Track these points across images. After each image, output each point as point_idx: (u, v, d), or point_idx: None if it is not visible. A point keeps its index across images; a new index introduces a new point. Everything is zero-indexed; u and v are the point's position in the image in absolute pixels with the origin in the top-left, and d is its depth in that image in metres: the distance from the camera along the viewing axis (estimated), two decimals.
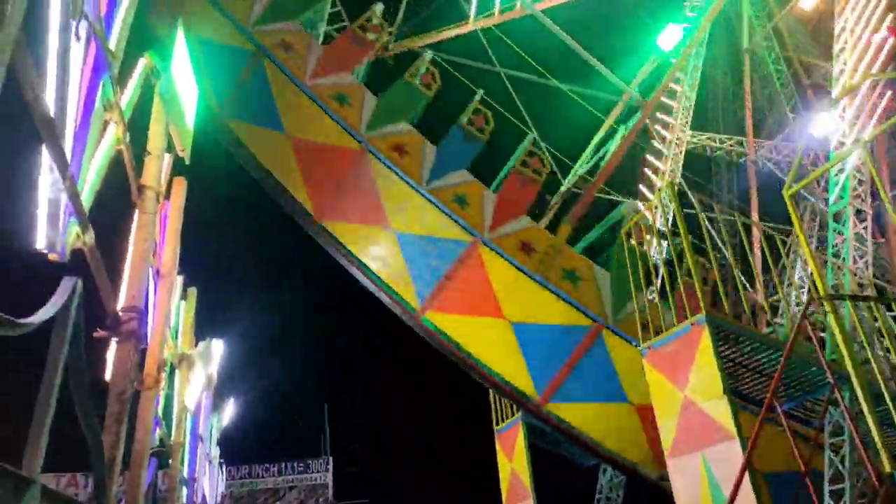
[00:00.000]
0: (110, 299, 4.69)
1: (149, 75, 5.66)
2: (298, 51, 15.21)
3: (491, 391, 18.33)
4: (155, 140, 5.65)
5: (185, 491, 11.21)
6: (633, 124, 20.58)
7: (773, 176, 25.09)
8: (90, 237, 3.97)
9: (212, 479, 16.65)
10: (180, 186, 7.21)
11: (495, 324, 14.21)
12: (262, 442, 34.06)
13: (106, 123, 4.51)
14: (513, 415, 17.77)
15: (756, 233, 20.07)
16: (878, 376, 8.69)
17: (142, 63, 5.64)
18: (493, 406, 18.80)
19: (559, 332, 14.29)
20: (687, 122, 25.07)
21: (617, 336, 14.26)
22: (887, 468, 7.41)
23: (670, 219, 19.60)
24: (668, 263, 12.59)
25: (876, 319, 10.55)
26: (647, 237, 13.66)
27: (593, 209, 17.14)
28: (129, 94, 5.07)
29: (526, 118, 19.88)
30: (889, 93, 12.75)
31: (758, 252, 18.72)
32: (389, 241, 14.41)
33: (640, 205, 21.27)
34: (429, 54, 16.49)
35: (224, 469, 26.38)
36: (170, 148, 6.52)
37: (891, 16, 13.28)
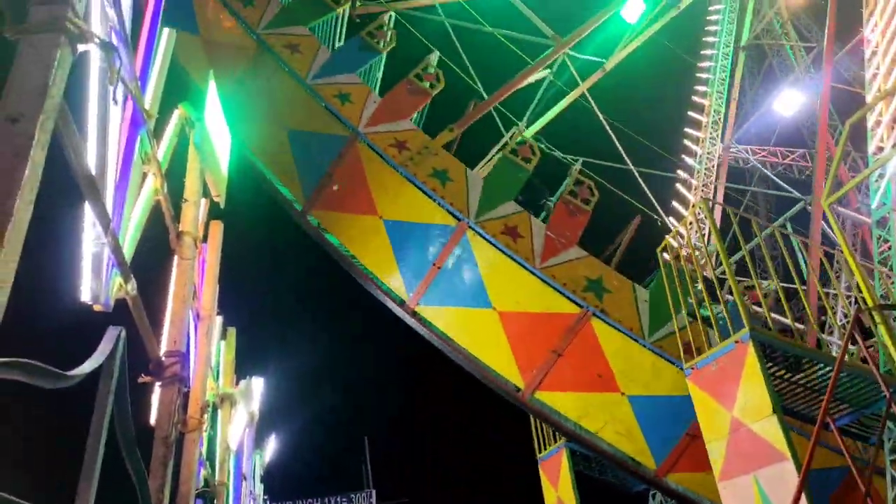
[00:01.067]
0: (153, 345, 4.79)
1: (184, 125, 5.85)
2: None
3: (532, 419, 18.08)
4: (191, 188, 5.82)
5: None
6: (543, 57, 20.21)
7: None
8: (132, 287, 4.08)
9: None
10: (217, 230, 7.38)
11: (369, 221, 14.09)
12: (305, 477, 34.14)
13: (144, 175, 4.67)
14: (555, 441, 17.48)
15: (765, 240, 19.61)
16: None
17: (176, 114, 5.85)
18: (534, 433, 18.53)
19: (425, 231, 14.03)
20: (717, 135, 24.80)
21: (482, 238, 13.91)
22: None
23: (706, 235, 19.35)
24: (707, 280, 12.30)
25: None
26: (684, 254, 13.43)
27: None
28: (165, 146, 5.25)
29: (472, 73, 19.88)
30: None
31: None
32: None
33: (673, 222, 21.03)
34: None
35: None
36: (206, 193, 6.72)
37: None
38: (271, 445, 19.90)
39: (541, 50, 21.07)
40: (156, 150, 4.60)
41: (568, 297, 13.91)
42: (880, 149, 12.64)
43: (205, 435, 8.25)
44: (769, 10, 26.03)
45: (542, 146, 16.54)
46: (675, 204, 22.91)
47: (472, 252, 14.08)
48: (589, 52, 21.59)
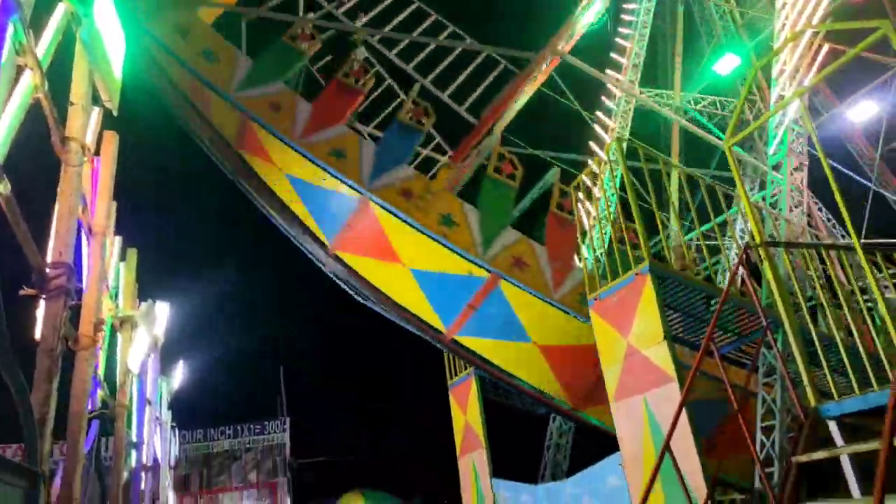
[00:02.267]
0: (34, 254, 4.51)
1: (69, 22, 5.34)
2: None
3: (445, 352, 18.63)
4: (78, 89, 5.37)
5: (133, 455, 11.09)
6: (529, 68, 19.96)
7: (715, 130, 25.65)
8: (5, 187, 3.79)
9: (164, 443, 16.51)
10: (112, 141, 6.93)
11: (396, 269, 14.49)
12: (218, 405, 33.94)
13: (19, 69, 4.27)
14: (466, 369, 18.09)
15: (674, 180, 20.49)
16: (808, 319, 9.12)
17: (61, 8, 5.32)
18: (447, 361, 19.08)
19: (456, 281, 14.48)
20: (636, 79, 25.26)
21: (513, 285, 14.40)
22: (813, 403, 7.83)
23: (618, 174, 19.90)
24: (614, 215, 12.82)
25: (808, 267, 11.03)
26: (595, 191, 13.90)
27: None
28: (47, 40, 4.80)
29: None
30: (826, 46, 13.09)
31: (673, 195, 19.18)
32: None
33: (589, 160, 21.51)
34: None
35: (178, 433, 26.18)
36: (99, 104, 6.24)
37: None
38: (180, 372, 19.51)
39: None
40: (32, 42, 4.19)
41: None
42: (782, 97, 13.30)
43: (102, 356, 7.97)
44: None
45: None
46: (592, 145, 23.37)
47: (507, 299, 14.19)
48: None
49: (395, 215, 14.13)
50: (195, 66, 14.20)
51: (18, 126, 4.21)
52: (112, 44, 5.97)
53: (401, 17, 19.27)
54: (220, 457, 33.57)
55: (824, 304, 9.64)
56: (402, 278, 14.37)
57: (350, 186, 14.14)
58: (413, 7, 19.41)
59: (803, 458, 6.91)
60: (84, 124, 5.42)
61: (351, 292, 15.42)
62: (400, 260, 14.39)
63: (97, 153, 6.98)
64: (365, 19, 19.38)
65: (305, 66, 16.81)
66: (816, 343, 8.69)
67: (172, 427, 20.96)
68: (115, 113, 6.08)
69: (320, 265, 15.05)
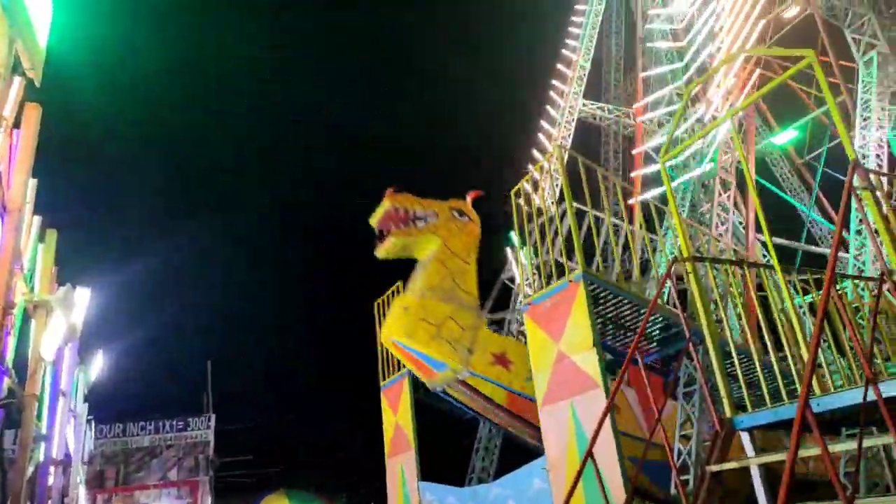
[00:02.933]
0: None
1: None
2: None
3: (379, 350, 18.45)
4: None
5: (42, 448, 10.49)
6: None
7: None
8: None
9: (77, 437, 15.70)
10: (34, 113, 6.54)
11: None
12: (139, 399, 32.64)
13: None
14: (399, 370, 18.00)
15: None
16: (729, 334, 9.53)
17: None
18: (380, 362, 18.94)
19: None
20: (580, 91, 25.91)
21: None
22: (728, 414, 8.17)
23: (558, 182, 20.38)
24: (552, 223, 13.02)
25: (731, 283, 11.53)
26: (535, 198, 14.09)
27: None
28: None
29: None
30: (758, 70, 13.74)
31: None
32: None
33: (529, 166, 21.87)
34: None
35: (94, 426, 24.99)
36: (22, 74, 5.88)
37: (763, 0, 14.23)
38: (99, 362, 18.59)
39: None
40: None
41: None
42: (714, 118, 13.87)
43: (11, 342, 7.53)
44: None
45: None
46: (534, 152, 23.79)
47: None
48: None
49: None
50: (529, 392, 12.96)
51: None
52: (37, 10, 5.64)
53: None
54: (140, 453, 32.23)
55: (743, 319, 10.11)
56: None
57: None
58: None
59: (715, 468, 7.20)
60: (3, 94, 5.10)
61: None
62: None
63: (17, 126, 6.60)
64: None
65: None
66: (734, 356, 9.11)
67: (88, 420, 19.98)
68: (37, 83, 5.73)
69: None
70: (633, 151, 21.60)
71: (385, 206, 13.85)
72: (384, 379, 19.30)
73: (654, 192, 21.72)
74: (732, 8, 15.27)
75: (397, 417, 18.50)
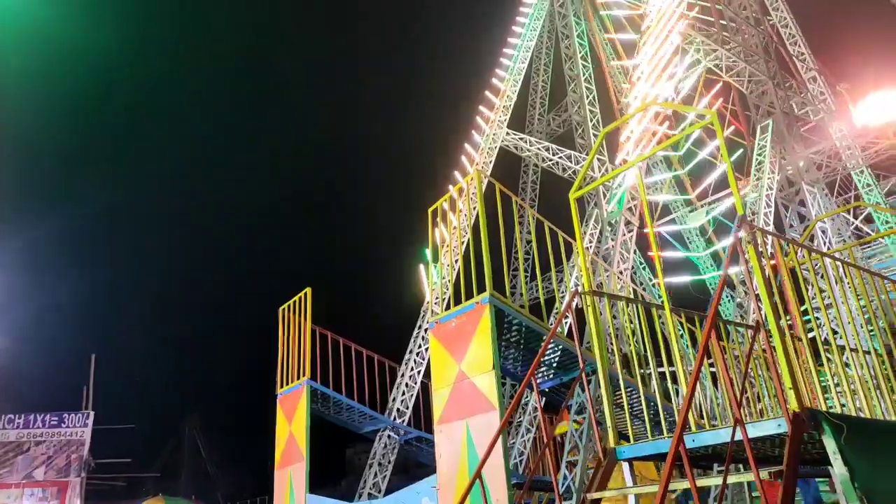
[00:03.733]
0: None
1: None
2: None
3: (280, 356, 18.03)
4: None
5: None
6: None
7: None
8: None
9: None
10: None
11: None
12: (10, 389, 30.09)
13: None
14: (298, 378, 17.63)
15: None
16: (619, 367, 10.04)
17: None
18: (279, 370, 18.49)
19: None
20: (504, 120, 26.68)
21: None
22: (612, 444, 8.58)
23: (474, 206, 20.82)
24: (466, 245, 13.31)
25: (630, 319, 12.16)
26: (451, 217, 14.36)
27: None
28: None
29: None
30: (667, 122, 14.69)
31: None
32: None
33: (449, 187, 22.21)
34: None
35: None
36: None
37: (677, 58, 15.27)
38: None
39: None
40: None
41: None
42: (625, 161, 14.67)
43: None
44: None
45: None
46: (456, 174, 24.19)
47: None
48: None
49: None
50: None
51: None
52: None
53: None
54: (4, 448, 29.68)
55: (633, 354, 10.68)
56: None
57: None
58: None
59: (595, 495, 7.55)
60: None
61: None
62: None
63: None
64: None
65: None
66: (622, 389, 9.59)
67: None
68: None
69: None
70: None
71: None
72: (282, 387, 18.85)
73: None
74: (650, 60, 16.29)
75: (292, 427, 18.06)
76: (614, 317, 10.85)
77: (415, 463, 15.92)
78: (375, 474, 17.72)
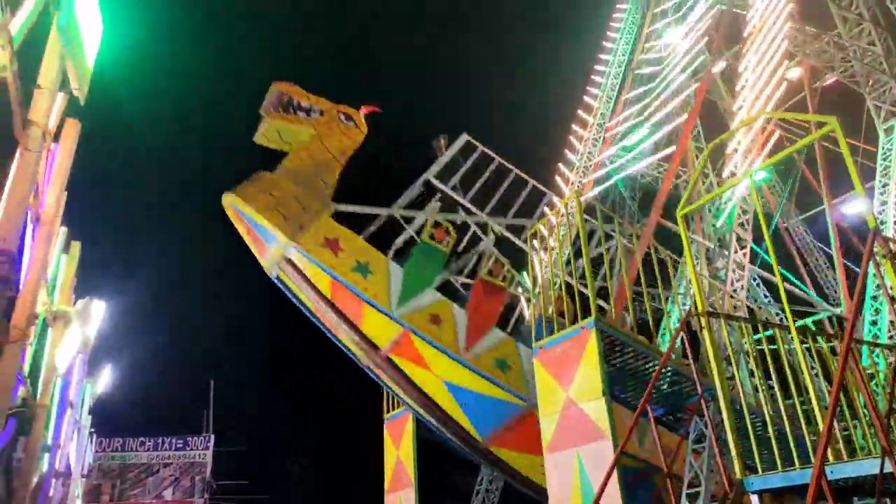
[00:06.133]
0: None
1: (48, 3, 5.24)
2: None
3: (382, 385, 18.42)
4: (48, 73, 5.24)
5: (46, 458, 10.48)
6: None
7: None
8: None
9: (79, 449, 15.66)
10: (73, 129, 6.74)
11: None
12: (140, 414, 32.44)
13: None
14: (403, 405, 17.89)
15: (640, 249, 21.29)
16: (741, 391, 9.44)
17: None
18: (385, 395, 18.83)
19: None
20: (599, 138, 26.20)
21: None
22: (738, 475, 8.05)
23: (574, 227, 20.44)
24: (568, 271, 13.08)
25: (744, 338, 11.44)
26: (552, 242, 14.19)
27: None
28: (21, 19, 4.69)
29: None
30: (778, 132, 13.87)
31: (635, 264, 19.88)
32: None
33: (546, 210, 21.96)
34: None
35: (95, 439, 24.88)
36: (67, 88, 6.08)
37: (786, 62, 14.44)
38: (106, 376, 18.62)
39: None
40: (8, 20, 4.10)
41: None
42: (733, 174, 13.96)
43: (29, 351, 7.60)
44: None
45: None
46: (549, 193, 23.92)
47: None
48: None
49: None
50: (351, 282, 13.93)
51: None
52: (89, 30, 5.87)
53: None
54: (137, 469, 31.96)
55: (756, 378, 10.01)
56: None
57: (517, 397, 14.16)
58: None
59: None
60: (49, 109, 5.29)
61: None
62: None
63: (55, 139, 6.79)
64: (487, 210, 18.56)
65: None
66: (746, 415, 9.00)
67: (91, 433, 19.93)
68: (82, 101, 5.93)
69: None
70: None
71: (271, 90, 14.38)
72: (388, 412, 19.18)
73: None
74: (755, 67, 15.50)
75: (399, 452, 18.31)
76: (731, 339, 10.24)
77: (521, 494, 15.62)
78: (483, 501, 17.57)
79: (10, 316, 5.83)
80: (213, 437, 33.10)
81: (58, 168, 6.46)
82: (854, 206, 21.49)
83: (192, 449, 32.63)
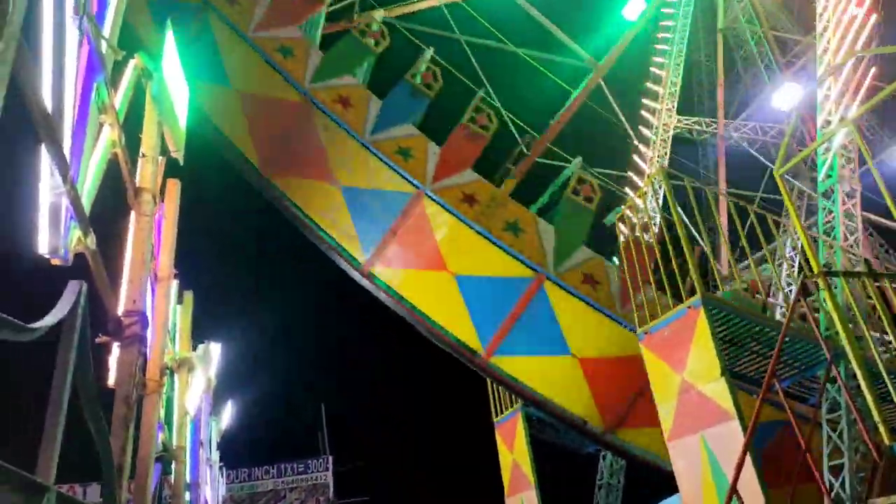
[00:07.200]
0: (112, 303, 4.65)
1: (140, 76, 5.60)
2: (243, 3, 15.26)
3: (489, 384, 18.40)
4: (149, 141, 5.60)
5: (188, 496, 11.15)
6: (583, 86, 20.99)
7: (756, 155, 25.32)
8: (92, 240, 3.93)
9: (213, 483, 16.58)
10: (174, 188, 7.15)
11: (439, 277, 14.23)
12: (261, 444, 33.97)
13: (100, 126, 4.46)
14: (511, 405, 17.83)
15: (723, 208, 20.44)
16: (874, 351, 8.77)
17: (132, 64, 5.58)
18: (491, 398, 18.84)
19: (502, 284, 14.32)
20: (673, 107, 25.20)
21: (560, 288, 14.33)
22: (886, 441, 7.50)
23: (660, 203, 19.81)
24: (662, 246, 12.62)
25: (869, 296, 10.65)
26: (639, 223, 13.77)
27: (543, 172, 17.16)
28: (121, 96, 5.02)
29: (489, 88, 19.72)
30: (872, 70, 12.85)
31: (724, 224, 19.07)
32: (336, 196, 14.38)
33: (629, 192, 21.36)
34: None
35: (224, 472, 26.29)
36: (163, 150, 6.47)
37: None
38: (228, 412, 19.69)
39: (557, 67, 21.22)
40: (113, 99, 4.39)
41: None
42: (828, 122, 13.06)
43: (163, 399, 8.11)
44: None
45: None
46: (630, 174, 23.26)
47: (550, 302, 14.26)
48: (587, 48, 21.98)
49: (456, 216, 14.29)
50: (274, 59, 14.70)
51: (101, 179, 4.38)
52: (178, 95, 6.22)
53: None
54: (265, 496, 33.53)
55: (890, 334, 9.27)
56: (444, 289, 14.18)
57: (413, 185, 14.30)
58: None
59: (882, 502, 6.59)
60: (154, 174, 5.63)
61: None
62: (446, 266, 14.29)
63: (161, 199, 7.21)
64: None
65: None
66: (885, 376, 8.34)
67: (220, 467, 21.08)
68: (181, 162, 6.30)
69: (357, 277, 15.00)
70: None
71: None
72: (497, 415, 19.19)
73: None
74: (837, 5, 14.46)
75: (514, 454, 18.26)
76: (854, 297, 9.57)
77: (646, 481, 15.18)
78: (607, 495, 17.21)
79: (144, 370, 6.23)
80: (331, 457, 34.24)
81: (166, 227, 6.87)
82: None
83: (313, 471, 33.86)
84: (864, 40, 13.42)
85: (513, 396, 17.22)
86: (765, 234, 12.19)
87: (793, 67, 25.06)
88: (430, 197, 14.40)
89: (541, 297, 14.35)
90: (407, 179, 14.47)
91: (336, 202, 14.35)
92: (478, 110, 15.62)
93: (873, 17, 13.08)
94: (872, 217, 17.98)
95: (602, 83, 21.86)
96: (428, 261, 14.37)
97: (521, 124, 19.94)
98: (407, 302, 14.16)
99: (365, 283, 14.50)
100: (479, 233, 14.31)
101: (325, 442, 34.60)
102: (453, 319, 14.16)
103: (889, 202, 8.12)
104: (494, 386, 18.31)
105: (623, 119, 23.17)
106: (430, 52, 16.30)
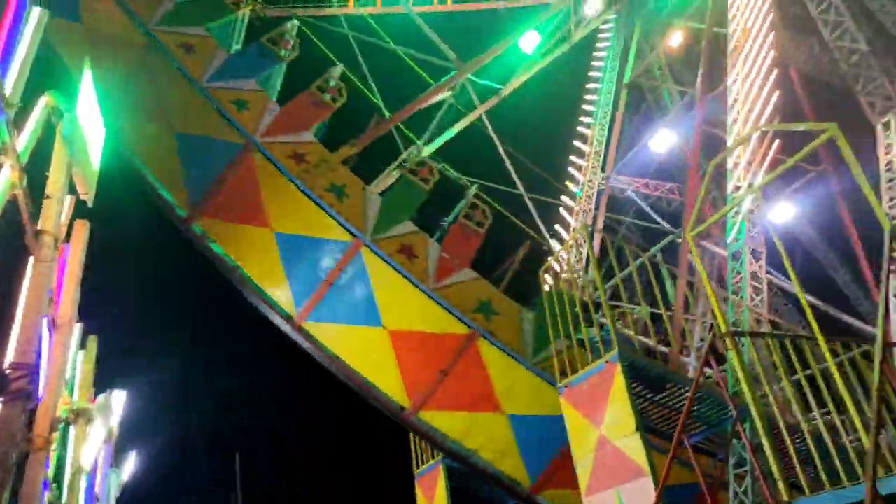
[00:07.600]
0: None
1: (50, 115, 5.36)
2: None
3: (411, 436, 18.10)
4: (55, 183, 5.32)
5: None
6: (444, 81, 21.64)
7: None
8: None
9: None
10: (82, 230, 6.80)
11: (262, 234, 14.07)
12: (167, 498, 31.87)
13: None
14: (433, 457, 17.55)
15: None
16: (775, 409, 9.20)
17: (42, 102, 5.34)
18: (413, 449, 18.51)
19: (320, 245, 14.28)
20: (598, 165, 26.30)
21: (376, 256, 14.37)
22: (785, 497, 7.79)
23: (584, 257, 20.45)
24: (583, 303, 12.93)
25: (772, 354, 11.22)
26: (564, 277, 14.13)
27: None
28: (27, 136, 4.78)
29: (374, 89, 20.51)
30: (777, 142, 13.88)
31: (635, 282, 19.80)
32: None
33: (556, 245, 21.95)
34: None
35: None
36: (71, 189, 6.17)
37: (776, 71, 14.57)
38: (131, 464, 18.39)
39: (442, 72, 22.13)
40: (14, 141, 4.18)
41: (458, 318, 14.25)
42: (737, 188, 13.94)
43: (53, 455, 7.52)
44: (650, 53, 28.15)
45: (440, 166, 16.97)
46: (558, 228, 23.92)
47: (366, 270, 14.09)
48: (488, 78, 22.76)
49: (282, 171, 14.18)
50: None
51: None
52: (92, 135, 5.98)
53: None
54: None
55: (790, 393, 9.77)
56: (264, 245, 13.96)
57: (243, 135, 14.19)
58: None
59: None
60: (58, 217, 5.35)
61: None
62: (268, 222, 14.08)
63: (66, 241, 6.84)
64: None
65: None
66: (784, 433, 8.73)
67: None
68: (90, 204, 6.01)
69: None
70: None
71: None
72: (418, 466, 18.82)
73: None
74: (745, 79, 15.64)
75: None
76: (759, 356, 10.05)
77: None
78: None
79: (31, 426, 5.78)
80: None
81: (70, 271, 6.50)
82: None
83: None
84: (768, 115, 14.56)
85: (433, 449, 16.97)
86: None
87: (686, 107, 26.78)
88: (259, 149, 14.38)
89: (357, 264, 14.29)
90: (237, 128, 14.44)
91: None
92: (329, 82, 16.05)
93: (775, 96, 14.23)
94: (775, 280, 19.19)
95: (470, 90, 22.37)
96: (252, 215, 14.14)
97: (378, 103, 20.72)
98: (226, 261, 13.91)
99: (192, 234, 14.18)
100: (300, 189, 14.25)
101: (238, 497, 32.81)
102: (270, 277, 13.86)
103: (786, 262, 8.64)
104: (416, 438, 18.01)
105: (501, 147, 23.52)
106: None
